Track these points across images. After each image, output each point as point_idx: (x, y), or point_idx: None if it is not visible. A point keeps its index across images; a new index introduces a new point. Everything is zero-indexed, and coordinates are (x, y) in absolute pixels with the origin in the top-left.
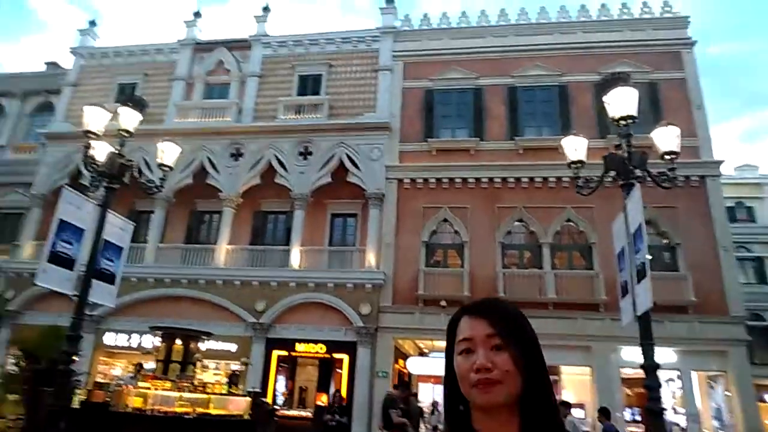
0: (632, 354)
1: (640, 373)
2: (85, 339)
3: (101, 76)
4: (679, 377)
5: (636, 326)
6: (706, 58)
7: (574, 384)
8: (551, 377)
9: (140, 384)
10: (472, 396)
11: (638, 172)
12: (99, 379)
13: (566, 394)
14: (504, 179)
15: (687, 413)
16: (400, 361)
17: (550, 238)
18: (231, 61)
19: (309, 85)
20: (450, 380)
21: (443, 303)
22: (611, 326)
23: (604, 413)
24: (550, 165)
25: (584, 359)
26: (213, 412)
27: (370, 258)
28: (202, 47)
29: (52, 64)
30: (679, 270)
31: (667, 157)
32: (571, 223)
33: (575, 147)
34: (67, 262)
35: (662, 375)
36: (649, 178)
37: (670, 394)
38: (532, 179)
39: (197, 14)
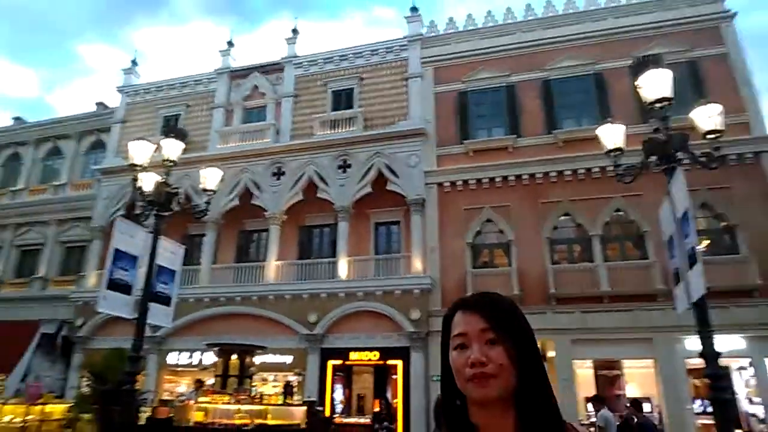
0: (697, 344)
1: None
2: (150, 359)
3: (146, 111)
4: (751, 365)
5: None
6: (750, 28)
7: (638, 377)
8: (613, 372)
9: (200, 399)
10: (467, 390)
11: (680, 155)
12: (164, 397)
13: (630, 389)
14: (545, 174)
15: (764, 402)
16: None
17: (600, 230)
18: (265, 85)
19: (342, 99)
20: (446, 375)
21: None
22: (672, 316)
23: (598, 400)
24: (593, 155)
25: (646, 351)
26: (270, 422)
27: (416, 263)
28: (238, 74)
29: (100, 104)
30: (739, 252)
31: (710, 136)
32: (621, 213)
33: (612, 135)
34: (124, 288)
35: (733, 363)
36: (693, 160)
37: (742, 383)
38: (574, 171)
39: (230, 43)
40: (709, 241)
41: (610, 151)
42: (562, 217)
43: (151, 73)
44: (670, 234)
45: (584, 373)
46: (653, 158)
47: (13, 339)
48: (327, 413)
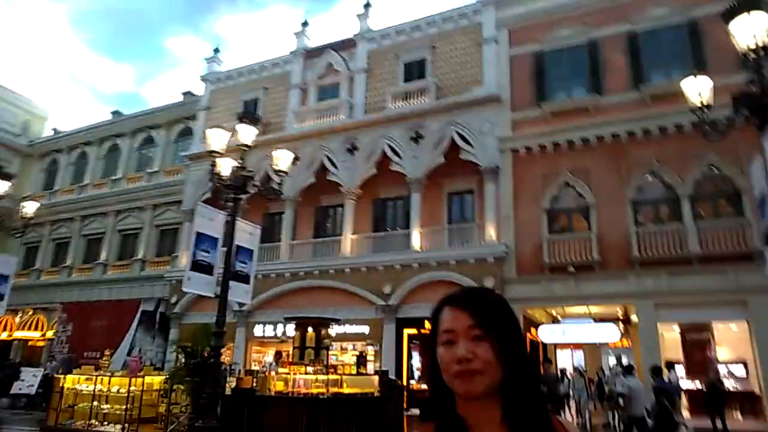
0: None
1: None
2: (238, 332)
3: (228, 97)
4: None
5: None
6: None
7: (731, 341)
8: (702, 334)
9: (280, 370)
10: (454, 386)
11: None
12: (251, 367)
13: (721, 351)
14: (630, 133)
15: None
16: (532, 330)
17: (690, 189)
18: (339, 62)
19: (414, 71)
20: (434, 369)
21: (571, 269)
22: None
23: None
24: (684, 110)
25: (740, 314)
26: (345, 391)
27: (490, 232)
28: (312, 53)
29: (187, 93)
30: None
31: None
32: (714, 169)
33: (698, 89)
34: (207, 269)
35: None
36: None
37: None
38: (663, 128)
39: (305, 24)
40: None
41: (696, 107)
42: (648, 177)
43: (233, 60)
44: (762, 192)
45: (671, 336)
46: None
47: (119, 317)
48: (404, 381)
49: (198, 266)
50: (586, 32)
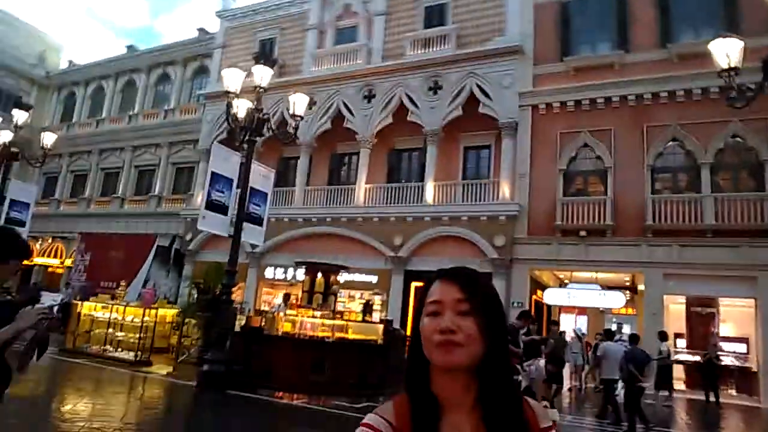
0: None
1: None
2: (250, 273)
3: (244, 35)
4: None
5: None
6: None
7: (735, 317)
8: (708, 309)
9: (288, 312)
10: (433, 356)
11: None
12: (261, 307)
13: (724, 328)
14: (655, 94)
15: None
16: (539, 292)
17: (711, 158)
18: (357, 3)
19: (435, 16)
20: (415, 342)
21: (583, 233)
22: None
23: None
24: (712, 72)
25: (748, 290)
26: (350, 336)
27: (504, 189)
28: None
29: (202, 30)
30: None
31: None
32: (738, 139)
33: (727, 51)
34: (221, 209)
35: None
36: None
37: None
38: (688, 91)
39: None
40: None
41: (723, 70)
42: (670, 143)
43: None
44: None
45: (676, 308)
46: None
47: (135, 250)
48: (408, 332)
49: (213, 206)
50: None
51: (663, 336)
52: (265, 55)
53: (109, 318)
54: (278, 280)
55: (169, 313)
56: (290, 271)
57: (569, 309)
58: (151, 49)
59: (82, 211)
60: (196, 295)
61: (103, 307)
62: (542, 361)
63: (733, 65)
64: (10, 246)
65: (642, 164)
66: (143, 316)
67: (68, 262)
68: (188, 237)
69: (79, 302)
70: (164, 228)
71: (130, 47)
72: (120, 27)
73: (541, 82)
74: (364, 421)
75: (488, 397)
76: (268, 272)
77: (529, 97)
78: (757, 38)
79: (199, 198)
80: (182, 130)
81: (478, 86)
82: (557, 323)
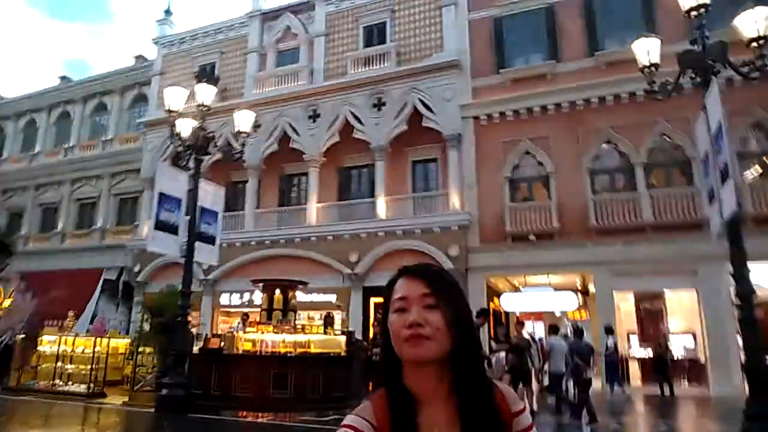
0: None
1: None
2: (204, 301)
3: (183, 61)
4: None
5: (753, 242)
6: None
7: (682, 312)
8: (655, 304)
9: (248, 329)
10: (402, 351)
11: (718, 67)
12: (217, 332)
13: (672, 322)
14: (586, 100)
15: None
16: (495, 300)
17: (644, 157)
18: (297, 25)
19: (375, 35)
20: (386, 340)
21: (532, 237)
22: (719, 246)
23: (552, 330)
24: (637, 77)
25: (690, 283)
26: (313, 350)
27: (454, 200)
28: (269, 15)
29: (139, 58)
30: None
31: (755, 44)
32: (666, 138)
33: (647, 49)
34: (172, 229)
35: None
36: (734, 71)
37: None
38: (617, 96)
39: None
40: (761, 170)
41: (645, 67)
42: (604, 146)
43: (186, 23)
44: (705, 150)
45: (627, 306)
46: (690, 73)
47: (81, 286)
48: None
49: (162, 225)
50: None
51: (609, 330)
52: (206, 74)
53: (58, 350)
54: (234, 305)
55: (121, 344)
56: (246, 295)
57: (526, 316)
58: (87, 79)
59: (21, 250)
60: (149, 321)
61: (49, 341)
62: (502, 354)
63: (653, 62)
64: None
65: (581, 167)
66: (94, 345)
67: (7, 303)
68: (136, 269)
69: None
70: (110, 261)
71: (63, 78)
72: (51, 58)
73: (480, 94)
74: (344, 422)
75: (461, 387)
76: (224, 299)
77: (470, 108)
78: (675, 45)
79: (146, 228)
80: (123, 160)
81: (421, 101)
82: (523, 323)
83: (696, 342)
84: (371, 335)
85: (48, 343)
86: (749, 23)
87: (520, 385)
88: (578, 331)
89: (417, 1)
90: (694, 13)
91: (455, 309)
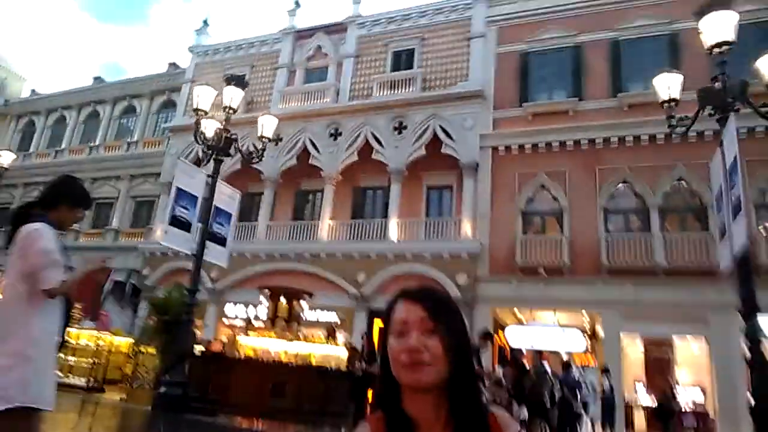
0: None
1: None
2: (209, 311)
3: (214, 71)
4: None
5: (764, 294)
6: None
7: (691, 363)
8: (664, 352)
9: (250, 333)
10: (402, 376)
11: (737, 105)
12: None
13: (680, 374)
14: (606, 139)
15: None
16: (500, 333)
17: (659, 200)
18: (328, 45)
19: (402, 60)
20: (384, 363)
21: (542, 271)
22: (731, 294)
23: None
24: (658, 120)
25: (700, 330)
26: (313, 361)
27: (466, 228)
28: (302, 34)
29: (172, 65)
30: None
31: None
32: (683, 182)
33: (668, 84)
34: (185, 225)
35: None
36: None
37: None
38: (637, 137)
39: (297, 3)
40: None
41: (665, 101)
42: (620, 185)
43: (221, 34)
44: (719, 185)
45: (634, 353)
46: (709, 110)
47: (90, 285)
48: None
49: (177, 222)
50: (571, 36)
51: (605, 370)
52: (235, 78)
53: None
54: (240, 318)
55: (124, 342)
56: (251, 308)
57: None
58: (119, 80)
59: None
60: (154, 318)
61: None
62: (500, 370)
63: (672, 97)
64: (81, 194)
65: (595, 205)
66: (98, 339)
67: None
68: (146, 272)
69: None
70: (121, 262)
71: (97, 78)
72: (88, 58)
73: (500, 125)
74: None
75: (458, 413)
76: (228, 309)
77: (489, 139)
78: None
79: (159, 231)
80: (144, 162)
81: (441, 127)
82: (540, 353)
83: (705, 395)
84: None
85: None
86: None
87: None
88: (566, 365)
89: (447, 31)
90: (717, 50)
91: (454, 335)
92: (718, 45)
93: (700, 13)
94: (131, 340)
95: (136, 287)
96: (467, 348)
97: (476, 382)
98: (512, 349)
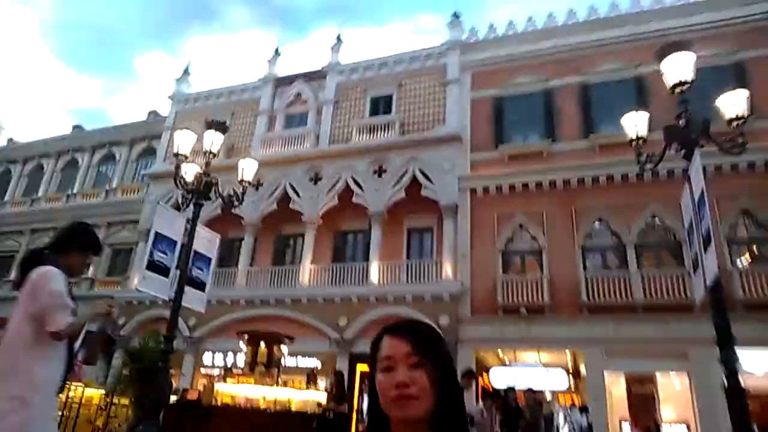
0: (742, 360)
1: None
2: (186, 360)
3: (195, 118)
4: None
5: (742, 327)
6: None
7: (674, 399)
8: (647, 389)
9: (228, 380)
10: (391, 411)
11: (702, 141)
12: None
13: (665, 411)
14: (580, 179)
15: None
16: (485, 375)
17: (635, 237)
18: (308, 92)
19: (381, 105)
20: (373, 396)
21: (523, 311)
22: (709, 328)
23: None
24: (629, 160)
25: (682, 365)
26: (293, 407)
27: (447, 269)
28: (282, 82)
29: (153, 113)
30: None
31: (735, 123)
32: (657, 220)
33: (635, 122)
34: (163, 270)
35: None
36: (715, 145)
37: None
38: (610, 177)
39: (277, 52)
40: (748, 253)
41: (632, 140)
42: (597, 224)
43: (201, 82)
44: (690, 219)
45: (618, 392)
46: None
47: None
48: (353, 423)
49: (154, 266)
50: (542, 81)
51: (584, 409)
52: (215, 123)
53: None
54: (217, 366)
55: (96, 394)
56: (230, 355)
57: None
58: (99, 129)
59: (5, 295)
60: (129, 367)
61: None
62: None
63: (641, 135)
64: (91, 240)
65: (573, 244)
66: (68, 391)
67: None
68: (121, 321)
69: None
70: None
71: (76, 127)
72: (68, 106)
73: (478, 167)
74: None
75: None
76: (206, 358)
77: (467, 181)
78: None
79: (136, 280)
80: (123, 210)
81: (420, 170)
82: (533, 391)
83: (689, 431)
84: (355, 405)
85: None
86: (729, 104)
87: None
88: (510, 390)
89: (423, 77)
90: (678, 89)
91: (439, 367)
92: (680, 84)
93: (661, 55)
94: (103, 392)
95: (111, 337)
96: (453, 379)
97: (463, 412)
98: (506, 391)
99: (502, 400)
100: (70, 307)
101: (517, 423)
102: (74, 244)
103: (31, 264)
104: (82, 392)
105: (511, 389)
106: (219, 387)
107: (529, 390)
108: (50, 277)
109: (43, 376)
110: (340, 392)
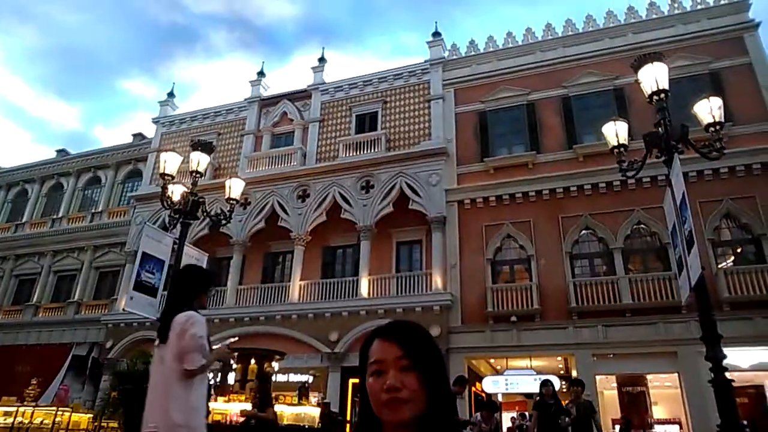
0: (730, 357)
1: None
2: None
3: (180, 140)
4: None
5: (729, 325)
6: None
7: (665, 398)
8: (638, 388)
9: (219, 398)
10: (382, 414)
11: (680, 147)
12: None
13: (656, 411)
14: (566, 189)
15: None
16: (477, 384)
17: (621, 243)
18: (293, 111)
19: (366, 122)
20: (364, 400)
21: (514, 319)
22: (697, 328)
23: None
24: (613, 168)
25: (671, 366)
26: (286, 422)
27: (437, 280)
28: (268, 102)
29: (138, 135)
30: (766, 262)
31: (712, 129)
32: (642, 225)
33: (616, 130)
34: (150, 290)
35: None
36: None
37: None
38: (595, 185)
39: (261, 73)
40: (738, 252)
41: (614, 147)
42: (583, 232)
43: (186, 106)
44: (674, 222)
45: (610, 394)
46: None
47: (47, 361)
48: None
49: (141, 287)
50: (524, 95)
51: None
52: (202, 143)
53: (13, 422)
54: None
55: (83, 418)
56: (219, 375)
57: (509, 406)
58: (84, 152)
59: None
60: (117, 389)
61: (5, 413)
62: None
63: (622, 142)
64: (209, 279)
65: (561, 251)
66: (55, 416)
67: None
68: (108, 344)
69: None
70: (82, 336)
71: (61, 151)
72: (52, 132)
73: (464, 180)
74: None
75: None
76: None
77: (454, 193)
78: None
79: (123, 302)
80: (109, 232)
81: (408, 184)
82: (581, 383)
83: (681, 430)
84: (349, 418)
85: (3, 415)
86: (705, 111)
87: None
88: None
89: (407, 94)
90: (656, 97)
91: (430, 370)
92: (657, 93)
93: (637, 66)
94: (90, 416)
95: (97, 361)
96: (445, 381)
97: (455, 415)
98: (540, 386)
99: (539, 398)
100: (206, 349)
101: (557, 420)
102: (200, 288)
103: (173, 314)
104: (69, 417)
105: (546, 382)
106: (210, 405)
107: (577, 382)
108: (195, 321)
109: (197, 401)
110: (264, 398)
